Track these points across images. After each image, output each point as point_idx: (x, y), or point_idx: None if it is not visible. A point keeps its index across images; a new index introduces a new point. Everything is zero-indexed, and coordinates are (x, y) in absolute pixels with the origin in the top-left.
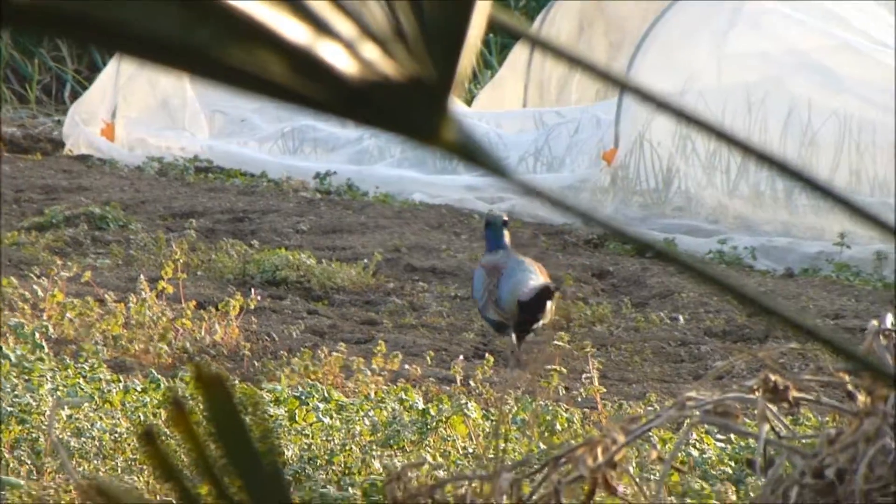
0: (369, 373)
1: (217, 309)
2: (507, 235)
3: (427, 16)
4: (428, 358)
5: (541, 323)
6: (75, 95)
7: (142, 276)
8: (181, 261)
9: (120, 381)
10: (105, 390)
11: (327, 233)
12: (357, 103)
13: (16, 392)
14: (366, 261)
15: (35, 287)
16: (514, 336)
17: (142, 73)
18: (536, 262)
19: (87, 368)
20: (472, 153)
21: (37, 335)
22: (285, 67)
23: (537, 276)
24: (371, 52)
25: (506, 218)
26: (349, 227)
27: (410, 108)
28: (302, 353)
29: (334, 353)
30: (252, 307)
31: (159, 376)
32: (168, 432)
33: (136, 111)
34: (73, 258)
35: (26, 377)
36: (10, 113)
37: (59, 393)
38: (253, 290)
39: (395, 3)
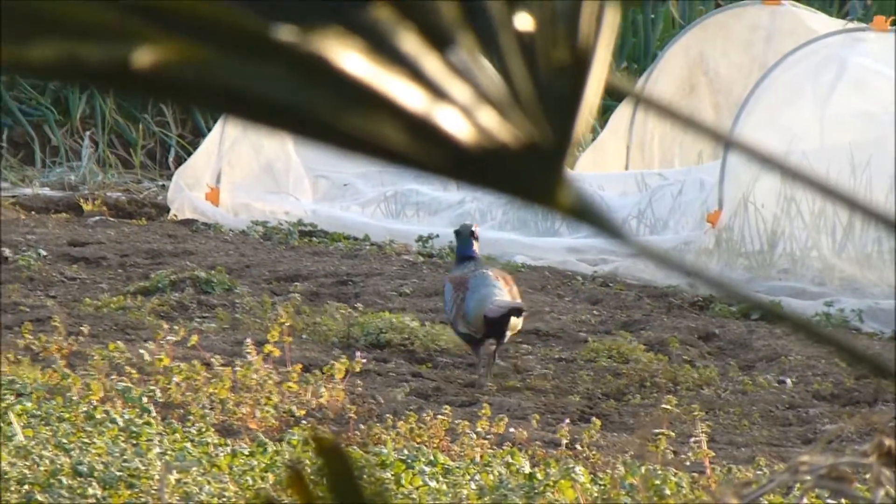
0: (475, 436)
1: (322, 372)
2: (475, 245)
3: (543, 79)
4: (534, 421)
5: (508, 336)
6: (179, 160)
7: (248, 340)
8: (286, 324)
9: (227, 444)
10: (213, 454)
11: (430, 295)
12: (473, 167)
13: (124, 456)
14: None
15: (142, 351)
16: (483, 348)
17: (246, 138)
18: (503, 274)
19: (195, 432)
20: (587, 215)
21: (144, 399)
22: (400, 132)
23: (502, 290)
24: (487, 116)
25: (474, 228)
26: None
27: (526, 171)
28: (407, 416)
29: (439, 416)
30: (357, 370)
31: (266, 440)
32: (280, 498)
33: (240, 176)
34: (179, 322)
35: (134, 441)
36: (115, 178)
37: (167, 457)
38: (357, 352)
39: (511, 67)
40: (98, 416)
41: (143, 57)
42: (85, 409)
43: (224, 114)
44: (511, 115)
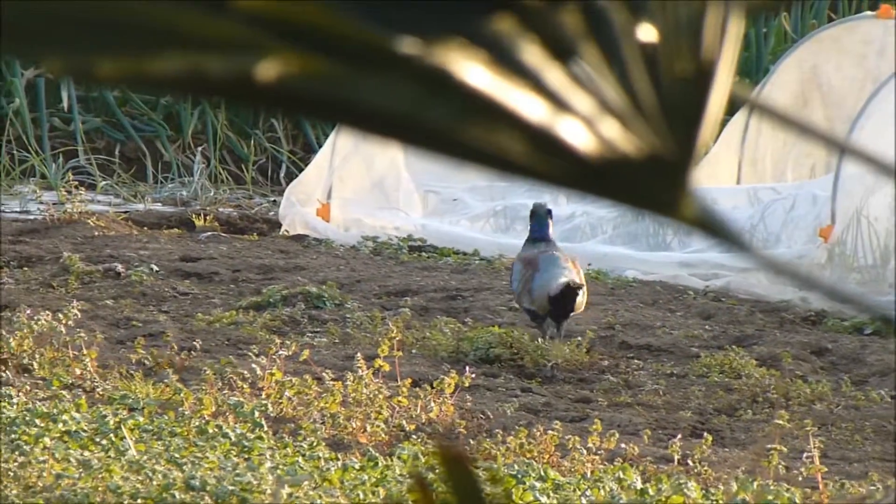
0: (585, 451)
1: (432, 387)
2: (550, 226)
3: (666, 90)
4: (645, 436)
5: (573, 314)
6: (290, 176)
7: (358, 355)
8: (396, 339)
9: (338, 459)
10: (324, 468)
11: None
12: (595, 178)
13: (237, 471)
14: (579, 338)
15: (254, 366)
16: (550, 324)
17: (356, 154)
18: (571, 257)
19: (306, 447)
20: (711, 227)
21: (256, 414)
22: (522, 144)
23: (570, 272)
24: (610, 127)
25: (549, 207)
26: None
27: (650, 182)
28: (517, 431)
29: (549, 432)
30: (466, 385)
31: (377, 454)
32: None
33: (350, 191)
34: (290, 337)
35: (246, 456)
36: (227, 194)
37: (279, 471)
38: (467, 367)
39: (634, 78)
40: (210, 431)
41: (267, 70)
42: (197, 423)
43: (346, 127)
44: (634, 127)
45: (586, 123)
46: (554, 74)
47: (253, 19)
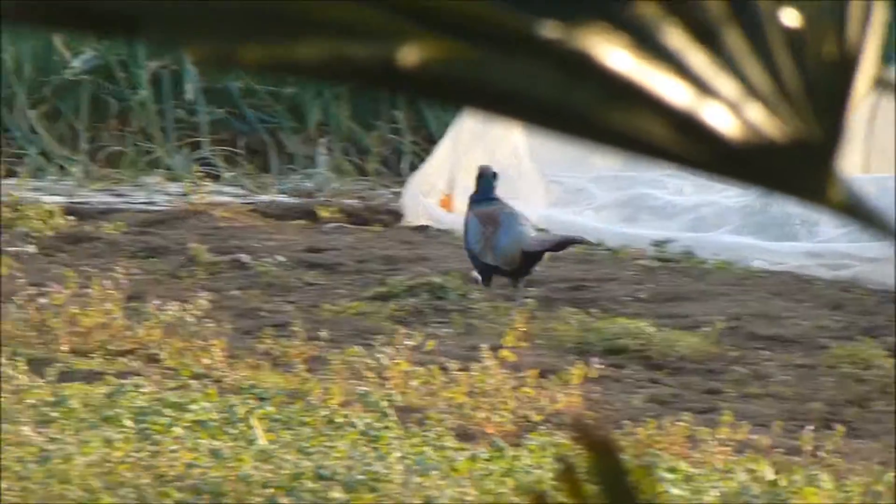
0: (715, 442)
1: (558, 377)
2: (495, 186)
3: (812, 74)
4: (775, 428)
5: (533, 269)
6: (413, 167)
7: (483, 345)
8: (521, 329)
9: (465, 449)
10: (452, 458)
11: (666, 300)
12: (739, 163)
13: (365, 460)
14: (707, 329)
15: (380, 356)
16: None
17: (479, 145)
18: (523, 214)
19: (433, 436)
20: (859, 212)
21: (383, 403)
22: (666, 128)
23: (532, 229)
24: (755, 111)
25: (495, 171)
26: (688, 294)
27: (795, 167)
28: (645, 422)
29: (678, 423)
30: (593, 376)
31: (504, 444)
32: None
33: (473, 182)
34: (415, 327)
35: (374, 445)
36: (350, 185)
37: (407, 461)
38: (593, 358)
39: (779, 62)
40: (338, 421)
41: (409, 56)
42: (325, 413)
43: (486, 113)
44: (779, 111)
45: (731, 107)
46: (698, 58)
47: (394, 4)
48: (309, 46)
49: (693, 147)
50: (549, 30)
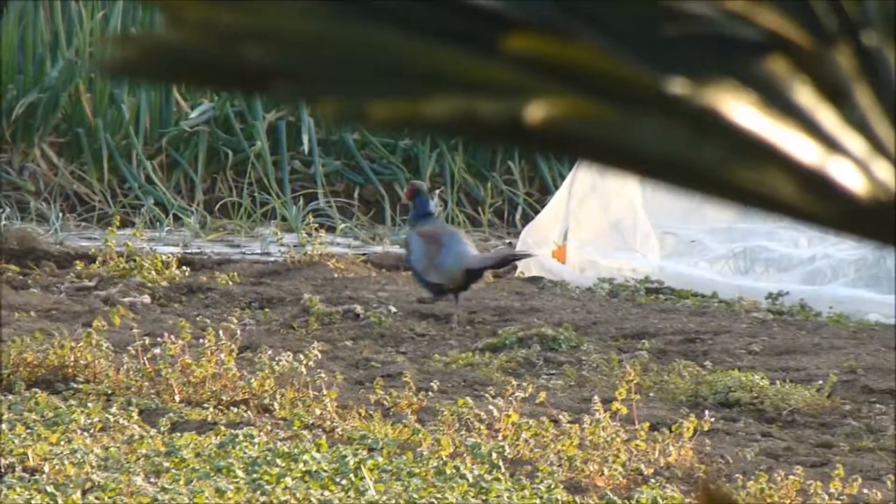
0: (826, 497)
1: (670, 430)
2: (432, 203)
3: None
4: (888, 482)
5: (476, 286)
6: (526, 218)
7: (595, 397)
8: (634, 382)
9: (575, 501)
10: None
11: (780, 353)
12: (867, 221)
13: None
14: (820, 382)
15: (490, 407)
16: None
17: (593, 196)
18: (464, 232)
19: (543, 489)
20: None
21: (493, 455)
22: (793, 185)
23: (472, 247)
24: (884, 169)
25: (429, 186)
26: (802, 347)
27: None
28: (757, 475)
29: (790, 477)
30: (705, 429)
31: (614, 498)
32: None
33: (587, 233)
34: (526, 378)
35: (484, 497)
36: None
37: None
38: (706, 411)
39: None
40: (448, 472)
41: (536, 112)
42: (435, 464)
43: (613, 168)
44: None
45: (859, 165)
46: (826, 115)
47: (521, 61)
48: (437, 103)
49: (820, 204)
50: (678, 86)
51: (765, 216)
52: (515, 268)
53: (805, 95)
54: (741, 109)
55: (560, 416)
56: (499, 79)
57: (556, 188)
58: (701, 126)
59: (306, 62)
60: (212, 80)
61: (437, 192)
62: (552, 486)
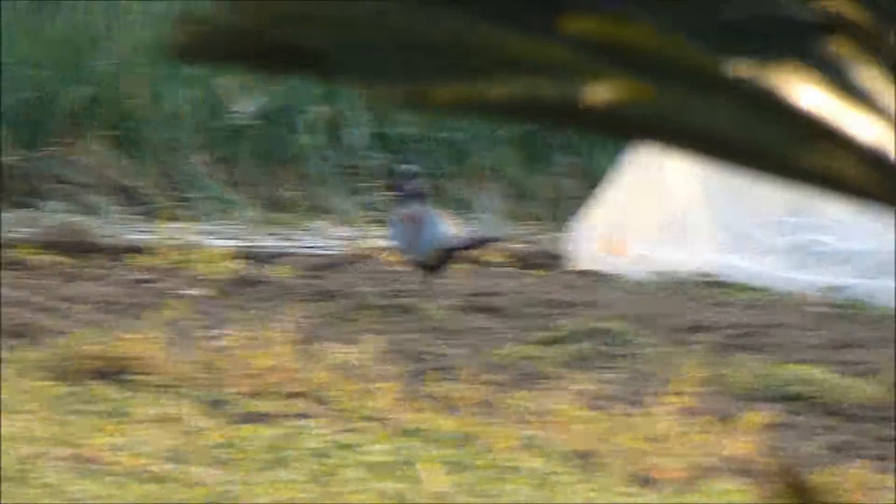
0: (890, 490)
1: (729, 424)
2: (417, 185)
3: None
4: None
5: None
6: (579, 211)
7: (652, 390)
8: (691, 375)
9: (636, 494)
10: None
11: (838, 347)
12: None
13: None
14: (881, 375)
15: (547, 400)
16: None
17: (647, 189)
18: (446, 213)
19: (604, 482)
20: None
21: (551, 447)
22: (857, 166)
23: (451, 227)
24: None
25: (416, 169)
26: (861, 341)
27: None
28: (820, 469)
29: (852, 471)
30: (765, 423)
31: (674, 490)
32: None
33: (640, 227)
34: (582, 372)
35: (544, 490)
36: (517, 229)
37: None
38: (764, 405)
39: None
40: (507, 465)
41: (596, 94)
42: (493, 457)
43: (674, 150)
44: None
45: None
46: (888, 95)
47: (582, 43)
48: (499, 85)
49: (883, 183)
50: (740, 68)
51: (826, 197)
52: (569, 261)
53: (867, 75)
54: (804, 90)
55: (616, 410)
56: (559, 61)
57: (610, 182)
58: (763, 107)
59: (365, 46)
60: (270, 64)
61: (489, 185)
62: (613, 479)
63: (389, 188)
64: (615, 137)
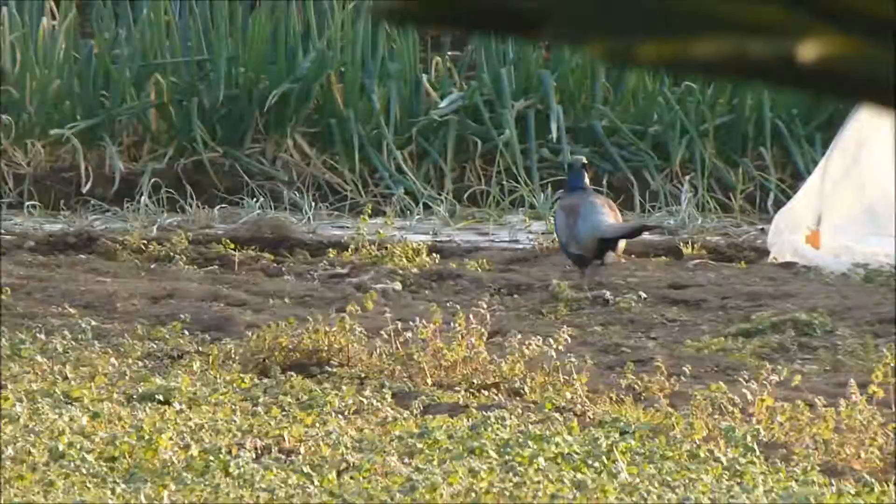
0: None
1: None
2: (585, 177)
3: None
4: None
5: (613, 255)
6: (778, 204)
7: (851, 381)
8: (891, 366)
9: (831, 484)
10: (818, 494)
11: None
12: None
13: (731, 493)
14: None
15: (744, 391)
16: (588, 266)
17: (847, 180)
18: (608, 202)
19: (799, 472)
20: None
21: (748, 438)
22: None
23: (609, 216)
24: None
25: (584, 161)
26: None
27: None
28: None
29: None
30: None
31: (872, 480)
32: None
33: (840, 218)
34: (780, 363)
35: (738, 480)
36: (714, 222)
37: (773, 495)
38: None
39: None
40: (701, 455)
41: (808, 52)
42: (688, 447)
43: (885, 109)
44: None
45: None
46: None
47: (794, 2)
48: (707, 43)
49: None
50: None
51: None
52: (768, 253)
53: None
54: None
55: (815, 400)
56: (769, 19)
57: (809, 173)
58: None
59: (575, 5)
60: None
61: (687, 178)
62: (808, 469)
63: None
64: (826, 95)
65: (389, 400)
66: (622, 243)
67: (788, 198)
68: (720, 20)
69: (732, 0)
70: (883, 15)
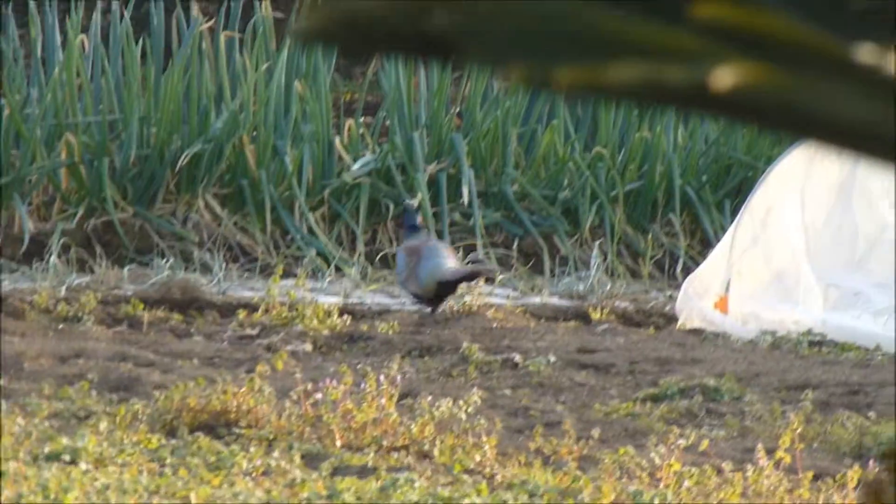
0: None
1: (834, 481)
2: (419, 219)
3: None
4: None
5: (449, 298)
6: (687, 270)
7: (758, 446)
8: (797, 431)
9: None
10: None
11: None
12: None
13: None
14: None
15: (652, 455)
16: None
17: (755, 247)
18: (448, 247)
19: None
20: None
21: (656, 502)
22: None
23: (450, 260)
24: None
25: (417, 204)
26: None
27: None
28: None
29: None
30: (871, 480)
31: None
32: None
33: (749, 285)
34: (687, 428)
35: None
36: (623, 288)
37: None
38: (870, 461)
39: None
40: None
41: (723, 79)
42: None
43: (801, 137)
44: None
45: None
46: None
47: (708, 29)
48: (624, 68)
49: None
50: (866, 54)
51: None
52: (677, 319)
53: None
54: None
55: (723, 465)
56: (686, 46)
57: (718, 241)
58: (892, 94)
59: (493, 29)
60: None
61: (597, 244)
62: None
63: (397, 223)
64: (741, 123)
65: (298, 462)
66: (458, 287)
67: (697, 264)
68: (638, 46)
69: (650, 27)
70: (799, 43)
